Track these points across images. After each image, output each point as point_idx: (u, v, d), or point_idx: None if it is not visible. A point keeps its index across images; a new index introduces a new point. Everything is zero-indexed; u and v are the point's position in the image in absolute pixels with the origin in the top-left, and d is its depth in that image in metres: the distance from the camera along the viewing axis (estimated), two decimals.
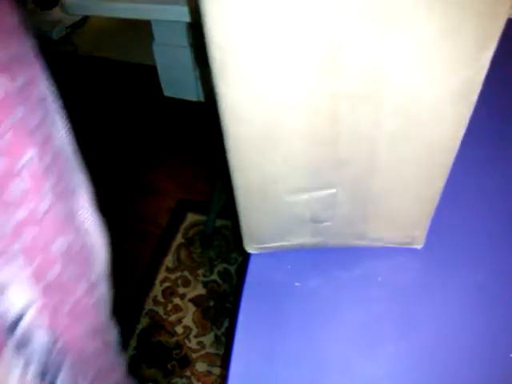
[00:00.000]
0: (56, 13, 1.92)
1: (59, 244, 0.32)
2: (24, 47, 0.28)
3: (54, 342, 0.32)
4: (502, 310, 0.48)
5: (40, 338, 0.30)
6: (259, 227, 0.50)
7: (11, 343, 0.28)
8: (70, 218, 0.34)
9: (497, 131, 0.63)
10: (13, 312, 0.28)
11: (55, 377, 0.32)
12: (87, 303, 0.38)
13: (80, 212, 0.37)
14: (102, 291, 0.40)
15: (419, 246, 0.52)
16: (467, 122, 0.37)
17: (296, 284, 0.51)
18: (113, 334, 0.44)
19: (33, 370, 0.30)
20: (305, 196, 0.44)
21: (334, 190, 0.43)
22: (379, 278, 0.51)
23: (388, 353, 0.46)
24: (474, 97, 0.35)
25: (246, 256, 0.54)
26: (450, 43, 0.31)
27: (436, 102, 0.35)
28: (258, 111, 0.37)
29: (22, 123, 0.27)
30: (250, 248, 0.53)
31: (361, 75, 0.34)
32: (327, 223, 0.48)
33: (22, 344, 0.29)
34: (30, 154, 0.28)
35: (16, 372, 0.28)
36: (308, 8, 0.30)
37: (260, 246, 0.52)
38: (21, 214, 0.28)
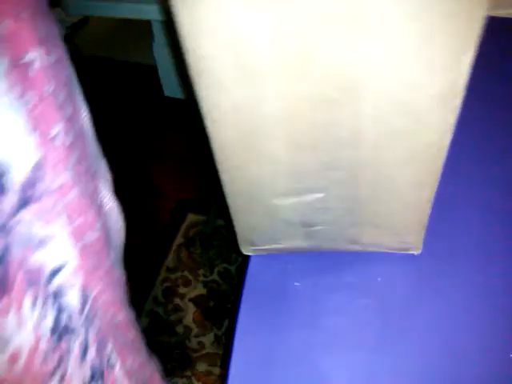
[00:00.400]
0: (57, 13, 1.93)
1: (95, 209, 0.35)
2: (54, 29, 0.30)
3: (85, 304, 0.33)
4: (502, 310, 0.48)
5: (73, 297, 0.32)
6: (251, 229, 0.50)
7: (47, 292, 0.29)
8: (93, 196, 0.37)
9: (493, 134, 0.63)
10: (51, 265, 0.29)
11: (85, 338, 0.33)
12: (115, 274, 0.40)
13: (100, 195, 0.39)
14: (120, 273, 0.42)
15: (416, 252, 0.51)
16: (452, 127, 0.36)
17: (296, 284, 0.51)
18: (133, 315, 0.46)
19: (60, 323, 0.31)
20: (293, 199, 0.44)
21: (321, 195, 0.43)
22: (379, 279, 0.51)
23: (389, 354, 0.46)
24: (457, 102, 0.34)
25: (246, 256, 0.54)
26: (427, 47, 0.30)
27: (417, 107, 0.34)
28: (235, 115, 0.37)
29: (53, 97, 0.29)
30: (245, 250, 0.53)
31: (336, 80, 0.33)
32: (318, 227, 0.47)
33: (56, 297, 0.30)
34: (57, 128, 0.30)
35: (43, 322, 0.29)
36: (281, 12, 0.30)
37: (254, 247, 0.53)
38: (62, 177, 0.30)
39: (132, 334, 0.44)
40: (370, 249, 0.51)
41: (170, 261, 1.30)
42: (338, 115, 0.36)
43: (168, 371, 1.11)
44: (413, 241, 0.50)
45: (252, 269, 0.53)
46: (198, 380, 1.10)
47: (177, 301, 1.22)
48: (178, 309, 1.21)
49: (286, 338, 0.48)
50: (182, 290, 1.24)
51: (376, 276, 0.51)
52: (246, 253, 0.54)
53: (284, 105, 0.35)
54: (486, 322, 0.47)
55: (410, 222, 0.47)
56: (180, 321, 1.19)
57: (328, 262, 0.52)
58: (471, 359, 0.45)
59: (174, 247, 1.33)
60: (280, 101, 0.35)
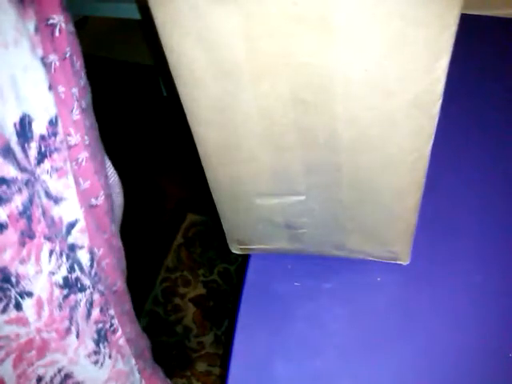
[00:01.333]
0: None
1: (100, 177, 0.37)
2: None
3: (92, 264, 0.35)
4: (502, 310, 0.48)
5: (83, 256, 0.34)
6: (237, 228, 0.50)
7: (63, 246, 0.31)
8: (101, 165, 0.39)
9: (487, 140, 0.63)
10: (66, 220, 0.32)
11: (90, 297, 0.35)
12: (116, 243, 0.42)
13: (107, 167, 0.42)
14: (120, 245, 0.44)
15: (404, 263, 0.50)
16: (431, 136, 0.35)
17: (296, 284, 0.51)
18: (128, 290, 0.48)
19: (72, 278, 0.33)
20: (274, 200, 0.44)
21: (303, 197, 0.43)
22: (378, 279, 0.51)
23: (390, 354, 0.46)
24: (433, 109, 0.33)
25: (246, 256, 0.54)
26: (398, 54, 0.30)
27: (391, 113, 0.34)
28: (214, 112, 0.37)
29: (70, 61, 0.32)
30: (234, 248, 0.54)
31: (309, 82, 0.33)
32: (303, 230, 0.47)
33: (70, 252, 0.32)
34: (75, 89, 0.33)
35: (58, 273, 0.31)
36: (252, 12, 0.30)
37: (241, 246, 0.53)
38: (74, 139, 0.32)
39: (128, 305, 0.46)
40: (357, 256, 0.50)
41: (169, 261, 1.30)
42: (313, 118, 0.35)
43: (168, 371, 1.10)
44: (400, 250, 0.49)
45: (252, 269, 0.53)
46: (198, 380, 1.10)
47: (176, 301, 1.22)
48: (177, 309, 1.21)
49: (285, 338, 0.48)
50: (181, 289, 1.24)
51: (376, 276, 0.51)
52: (234, 251, 0.54)
53: (260, 104, 0.35)
54: (485, 324, 0.47)
55: (395, 230, 0.46)
56: (180, 321, 1.19)
57: (328, 262, 0.52)
58: (470, 357, 0.45)
59: (173, 247, 1.33)
60: (254, 99, 0.35)
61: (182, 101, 0.37)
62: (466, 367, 0.45)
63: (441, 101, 0.33)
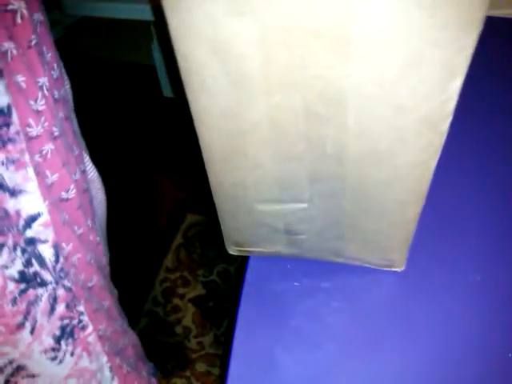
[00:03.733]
0: (55, 13, 1.92)
1: (71, 171, 0.35)
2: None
3: (58, 260, 0.34)
4: (502, 310, 0.48)
5: (46, 251, 0.33)
6: (235, 230, 0.50)
7: (18, 240, 0.30)
8: (76, 160, 0.37)
9: (487, 140, 0.63)
10: (25, 214, 0.30)
11: (54, 293, 0.34)
12: (93, 239, 0.41)
13: (85, 161, 0.40)
14: (103, 241, 0.43)
15: (400, 269, 0.51)
16: (439, 151, 0.36)
17: (295, 284, 0.51)
18: (113, 288, 0.47)
19: (29, 272, 0.32)
20: (276, 207, 0.44)
21: (305, 205, 0.43)
22: (379, 276, 0.51)
23: (389, 352, 0.46)
24: (443, 127, 0.34)
25: (245, 256, 0.54)
26: (413, 73, 0.30)
27: (402, 129, 0.34)
28: (223, 119, 0.37)
29: (35, 51, 0.30)
30: (231, 249, 0.54)
31: (321, 95, 0.33)
32: (302, 236, 0.47)
33: (28, 246, 0.31)
34: (42, 79, 0.31)
35: (12, 267, 0.30)
36: (268, 24, 0.30)
37: (238, 248, 0.53)
38: (36, 130, 0.31)
39: (108, 302, 0.44)
40: (353, 262, 0.51)
41: (169, 261, 1.30)
42: (324, 130, 0.35)
43: (167, 371, 1.10)
44: (396, 258, 0.49)
45: (251, 269, 0.53)
46: (198, 380, 1.10)
47: (176, 301, 1.22)
48: (177, 309, 1.21)
49: (285, 338, 0.48)
50: (181, 290, 1.24)
51: (378, 273, 0.51)
52: (231, 252, 0.54)
53: (270, 114, 0.35)
54: (485, 324, 0.47)
55: (394, 239, 0.46)
56: (179, 321, 1.19)
57: (328, 262, 0.52)
58: (470, 357, 0.45)
59: (173, 247, 1.33)
60: (266, 110, 0.35)
61: (190, 105, 0.37)
62: (465, 367, 0.45)
63: (451, 118, 0.33)
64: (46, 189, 0.32)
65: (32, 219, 0.31)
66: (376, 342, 0.47)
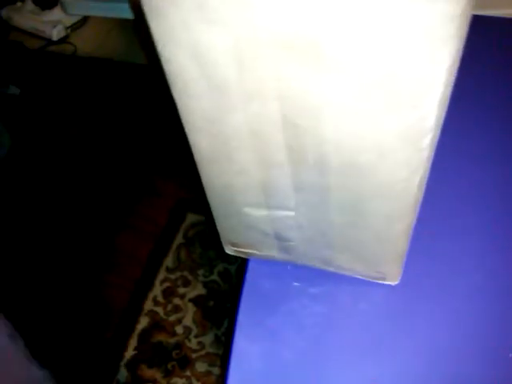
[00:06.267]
0: (56, 13, 1.92)
1: None
2: None
3: None
4: (502, 310, 0.48)
5: None
6: (230, 231, 0.50)
7: None
8: None
9: (487, 140, 0.63)
10: None
11: None
12: None
13: None
14: None
15: (393, 283, 0.50)
16: (422, 167, 0.35)
17: (295, 284, 0.51)
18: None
19: None
20: (264, 212, 0.44)
21: (292, 213, 0.43)
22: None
23: (388, 353, 0.46)
24: (425, 141, 0.32)
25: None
26: (386, 86, 0.29)
27: (380, 144, 0.33)
28: (207, 123, 0.37)
29: None
30: (228, 249, 0.54)
31: (297, 106, 0.33)
32: (292, 243, 0.47)
33: None
34: None
35: None
36: (241, 34, 0.29)
37: (235, 248, 0.53)
38: None
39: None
40: (345, 272, 0.50)
41: (169, 261, 1.30)
42: (303, 140, 0.35)
43: (168, 371, 1.10)
44: (389, 271, 0.48)
45: (251, 269, 0.53)
46: (198, 380, 1.10)
47: (176, 301, 1.22)
48: (177, 309, 1.21)
49: (285, 338, 0.48)
50: (181, 290, 1.24)
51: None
52: (228, 251, 0.54)
53: (249, 121, 0.35)
54: (485, 324, 0.47)
55: (384, 253, 0.45)
56: (180, 321, 1.19)
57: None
58: (470, 357, 0.45)
59: (173, 247, 1.33)
60: (244, 117, 0.35)
61: (177, 108, 0.37)
62: (465, 367, 0.45)
63: (432, 135, 0.32)
64: None
65: None
66: (378, 346, 0.47)
